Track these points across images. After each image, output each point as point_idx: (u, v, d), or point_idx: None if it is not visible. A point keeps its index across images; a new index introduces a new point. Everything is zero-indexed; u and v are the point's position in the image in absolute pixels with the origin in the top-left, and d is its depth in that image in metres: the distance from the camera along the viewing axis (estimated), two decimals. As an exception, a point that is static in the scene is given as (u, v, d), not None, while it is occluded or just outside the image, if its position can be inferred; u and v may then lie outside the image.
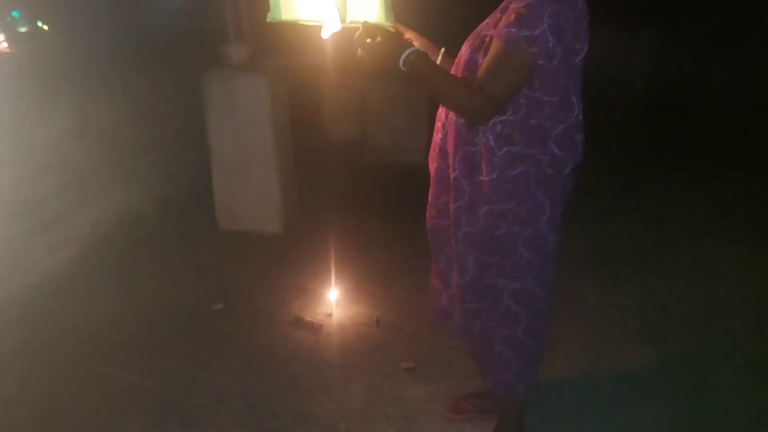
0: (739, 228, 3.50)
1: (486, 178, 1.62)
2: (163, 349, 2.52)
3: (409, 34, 1.75)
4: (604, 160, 4.27)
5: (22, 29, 3.97)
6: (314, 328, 2.62)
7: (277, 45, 3.79)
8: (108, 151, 3.45)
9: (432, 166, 1.83)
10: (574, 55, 1.52)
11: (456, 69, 1.66)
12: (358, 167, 4.70)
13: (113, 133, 3.48)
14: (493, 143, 1.58)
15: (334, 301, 2.79)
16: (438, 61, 1.73)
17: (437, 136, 1.78)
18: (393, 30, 1.63)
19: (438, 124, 1.78)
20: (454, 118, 1.66)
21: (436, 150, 1.79)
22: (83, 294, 2.91)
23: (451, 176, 1.70)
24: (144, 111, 3.76)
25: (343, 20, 1.51)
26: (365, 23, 1.52)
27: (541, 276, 1.73)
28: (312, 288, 2.90)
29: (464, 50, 1.65)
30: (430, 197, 1.88)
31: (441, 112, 1.76)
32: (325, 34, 1.55)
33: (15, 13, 3.95)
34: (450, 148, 1.69)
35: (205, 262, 3.25)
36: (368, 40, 1.51)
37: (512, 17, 1.46)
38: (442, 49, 1.78)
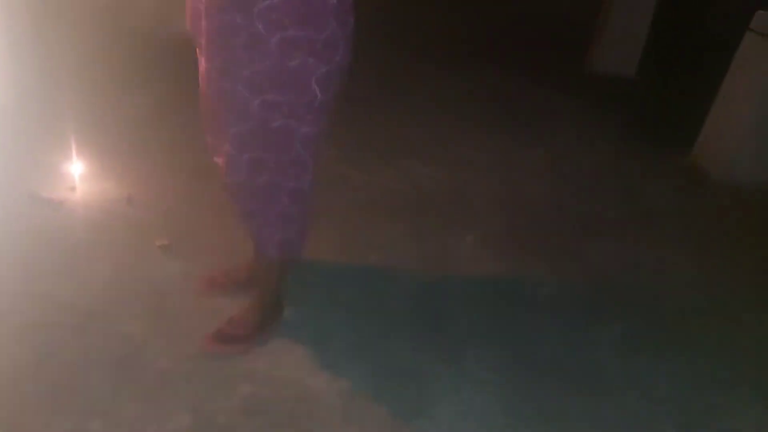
0: (498, 122, 3.81)
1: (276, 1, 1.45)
2: None
3: None
4: (380, 55, 4.33)
5: None
6: (53, 204, 2.33)
7: None
8: None
9: (204, 25, 1.61)
10: None
11: None
12: (109, 32, 4.16)
13: None
14: None
15: (77, 176, 2.49)
16: None
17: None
18: None
19: None
20: None
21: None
22: None
23: (225, 19, 1.50)
24: None
25: None
26: None
27: (325, 121, 1.64)
28: (50, 161, 2.55)
29: None
30: (204, 63, 1.63)
31: None
32: None
33: None
34: None
35: None
36: None
37: None
38: None
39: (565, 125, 3.95)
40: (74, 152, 2.55)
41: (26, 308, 1.89)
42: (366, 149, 3.22)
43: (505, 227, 2.74)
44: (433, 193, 2.95)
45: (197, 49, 1.69)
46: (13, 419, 1.56)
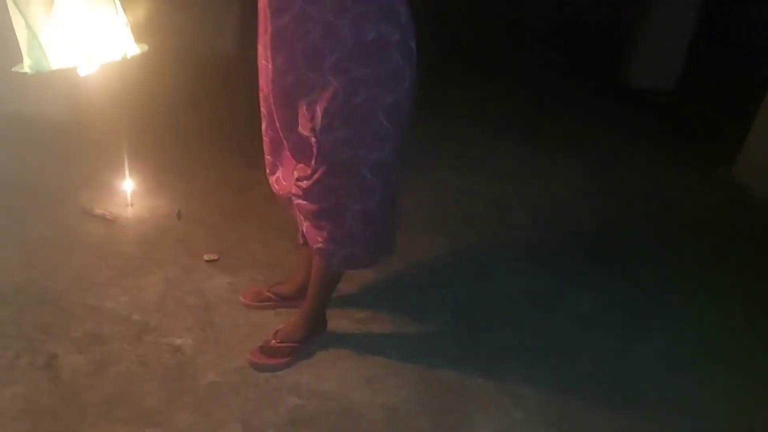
0: (536, 134, 3.82)
1: (348, 43, 1.54)
2: None
3: None
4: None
5: None
6: (107, 220, 2.44)
7: None
8: None
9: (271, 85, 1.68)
10: None
11: None
12: (155, 54, 4.31)
13: None
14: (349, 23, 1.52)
15: (129, 193, 2.60)
16: None
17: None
18: None
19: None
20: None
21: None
22: None
23: (296, 78, 1.59)
24: None
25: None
26: None
27: (397, 145, 1.70)
28: (104, 179, 2.66)
29: None
30: (276, 113, 1.72)
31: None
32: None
33: None
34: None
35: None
36: None
37: None
38: None
39: (604, 138, 3.93)
40: (127, 170, 2.66)
41: (82, 320, 1.98)
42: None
43: (544, 241, 2.76)
44: (470, 205, 2.98)
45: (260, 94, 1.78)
46: (72, 428, 1.64)
